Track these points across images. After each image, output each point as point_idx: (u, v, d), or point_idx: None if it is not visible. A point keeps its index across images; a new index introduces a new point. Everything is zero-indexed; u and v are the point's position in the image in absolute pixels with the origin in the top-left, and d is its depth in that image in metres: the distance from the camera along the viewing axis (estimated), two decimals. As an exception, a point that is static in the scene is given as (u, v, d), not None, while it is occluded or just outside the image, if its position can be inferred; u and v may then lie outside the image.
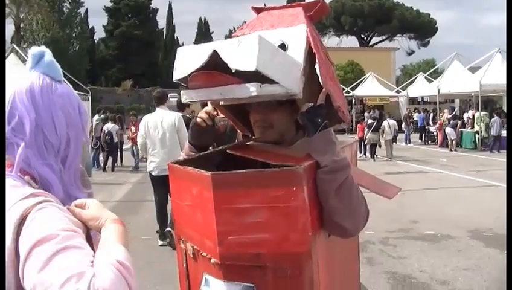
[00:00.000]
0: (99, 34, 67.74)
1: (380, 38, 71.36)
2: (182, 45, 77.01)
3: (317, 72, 2.10)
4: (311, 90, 2.18)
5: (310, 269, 1.92)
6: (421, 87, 36.18)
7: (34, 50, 1.62)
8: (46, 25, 49.18)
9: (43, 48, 1.65)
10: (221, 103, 2.38)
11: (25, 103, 1.51)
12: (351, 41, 69.92)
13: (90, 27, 63.89)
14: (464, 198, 12.12)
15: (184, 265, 2.25)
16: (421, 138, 31.53)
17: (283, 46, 2.14)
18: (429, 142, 30.58)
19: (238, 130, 2.70)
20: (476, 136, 24.59)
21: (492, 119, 24.93)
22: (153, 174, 8.10)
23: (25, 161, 1.48)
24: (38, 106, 1.52)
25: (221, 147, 2.35)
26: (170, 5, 74.68)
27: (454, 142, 25.52)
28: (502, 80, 24.62)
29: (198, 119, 2.33)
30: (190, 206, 2.09)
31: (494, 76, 24.97)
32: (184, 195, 2.14)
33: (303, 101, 2.15)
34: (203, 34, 76.46)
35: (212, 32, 79.57)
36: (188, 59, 2.08)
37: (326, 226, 2.06)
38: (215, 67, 1.98)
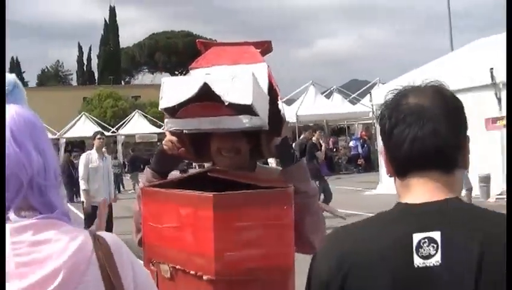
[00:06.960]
0: None
1: (193, 75, 72.97)
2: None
3: (280, 106, 2.32)
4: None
5: (293, 279, 2.14)
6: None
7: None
8: None
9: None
10: (185, 131, 2.40)
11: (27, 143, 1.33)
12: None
13: None
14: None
15: (154, 286, 2.33)
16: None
17: None
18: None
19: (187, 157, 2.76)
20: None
21: None
22: None
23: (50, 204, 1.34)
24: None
25: (200, 170, 2.48)
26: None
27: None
28: (316, 110, 26.70)
29: (166, 147, 2.41)
30: (176, 227, 2.15)
31: (309, 107, 26.92)
32: (166, 217, 2.19)
33: (263, 132, 2.32)
34: (16, 74, 72.76)
35: (24, 72, 76.02)
36: (175, 90, 2.19)
37: (298, 244, 2.21)
38: (204, 98, 2.12)
